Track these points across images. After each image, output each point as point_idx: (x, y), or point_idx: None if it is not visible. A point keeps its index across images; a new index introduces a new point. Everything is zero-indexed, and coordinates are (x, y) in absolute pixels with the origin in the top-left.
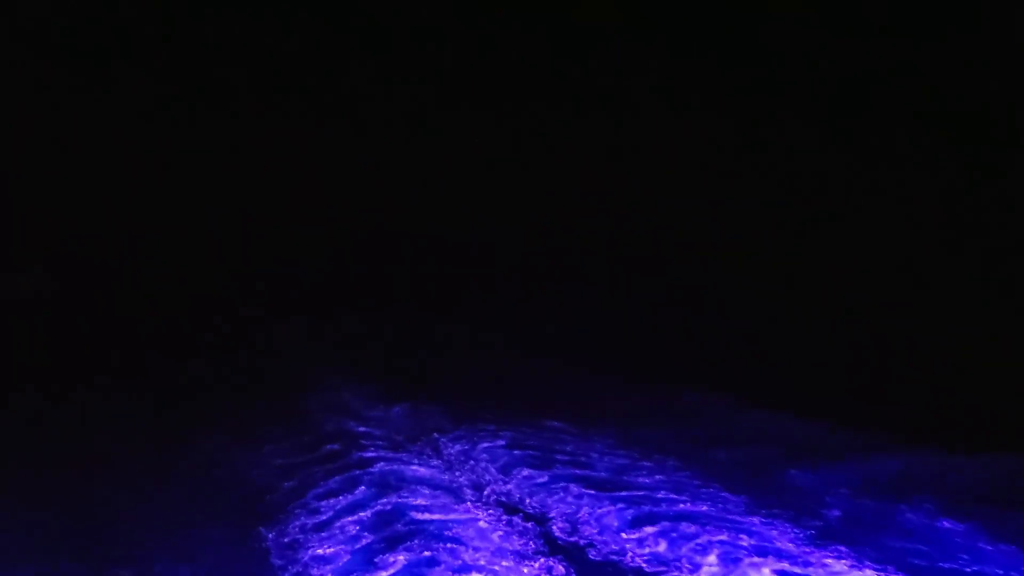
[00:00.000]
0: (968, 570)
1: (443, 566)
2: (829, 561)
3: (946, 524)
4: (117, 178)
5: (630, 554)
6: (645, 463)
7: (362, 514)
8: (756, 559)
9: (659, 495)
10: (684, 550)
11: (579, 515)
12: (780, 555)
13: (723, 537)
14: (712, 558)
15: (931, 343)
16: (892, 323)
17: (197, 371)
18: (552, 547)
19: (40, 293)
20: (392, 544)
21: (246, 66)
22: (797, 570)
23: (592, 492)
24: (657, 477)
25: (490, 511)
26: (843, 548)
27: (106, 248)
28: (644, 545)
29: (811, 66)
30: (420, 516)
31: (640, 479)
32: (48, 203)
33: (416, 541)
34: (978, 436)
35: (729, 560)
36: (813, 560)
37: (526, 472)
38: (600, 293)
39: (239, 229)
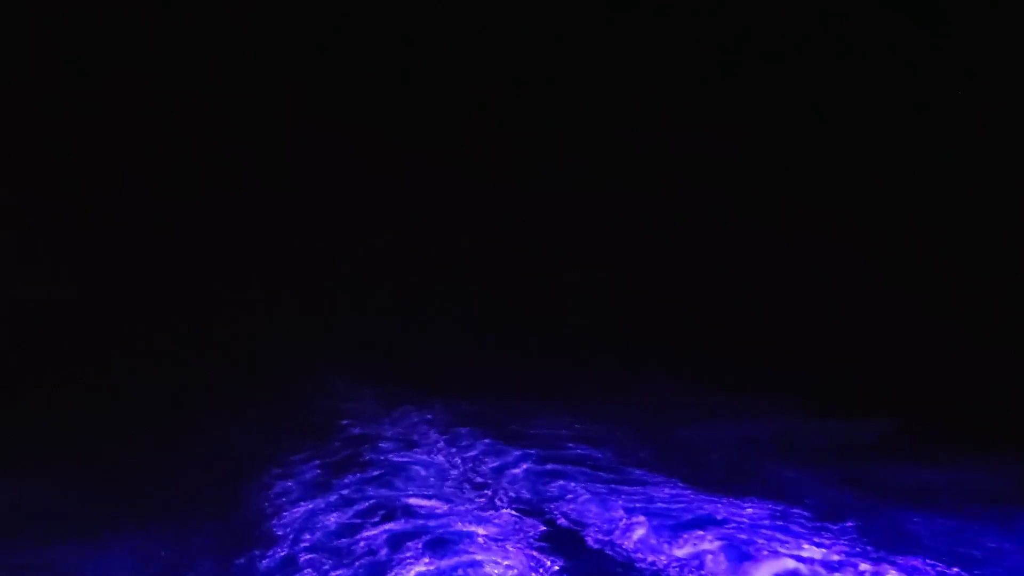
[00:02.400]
0: (805, 511)
1: (387, 487)
2: (688, 492)
3: (792, 474)
4: (118, 178)
5: (529, 491)
6: (577, 426)
7: (328, 461)
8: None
9: (569, 444)
10: (572, 485)
11: (491, 461)
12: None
13: (608, 476)
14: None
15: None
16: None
17: (196, 364)
18: (473, 480)
19: (44, 293)
20: (344, 474)
21: (247, 66)
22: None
23: (513, 446)
24: (577, 430)
25: (441, 455)
26: (725, 495)
27: (107, 248)
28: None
29: (811, 65)
30: (378, 457)
31: (559, 433)
32: (49, 203)
33: (367, 470)
34: (836, 404)
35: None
36: (668, 490)
37: (466, 431)
38: (592, 291)
39: (239, 228)
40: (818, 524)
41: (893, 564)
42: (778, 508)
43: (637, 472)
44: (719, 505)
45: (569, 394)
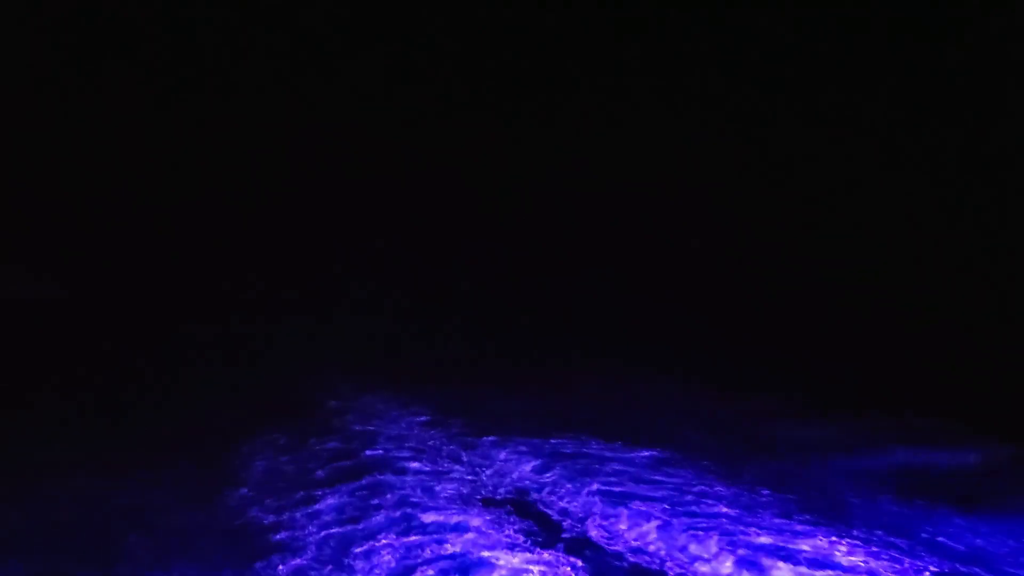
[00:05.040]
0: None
1: (343, 443)
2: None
3: (697, 436)
4: (116, 178)
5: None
6: (535, 408)
7: (300, 430)
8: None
9: (512, 418)
10: (487, 440)
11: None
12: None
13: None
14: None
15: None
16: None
17: (195, 359)
18: (417, 441)
19: (41, 294)
20: (310, 438)
21: (244, 65)
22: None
23: (459, 418)
24: (531, 410)
25: (398, 425)
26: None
27: (106, 248)
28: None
29: (810, 65)
30: (343, 427)
31: (512, 410)
32: (49, 203)
33: (331, 436)
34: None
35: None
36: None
37: (416, 409)
38: (591, 291)
39: (238, 229)
40: (701, 467)
41: (741, 490)
42: (665, 455)
43: (555, 432)
44: (607, 451)
45: (546, 385)
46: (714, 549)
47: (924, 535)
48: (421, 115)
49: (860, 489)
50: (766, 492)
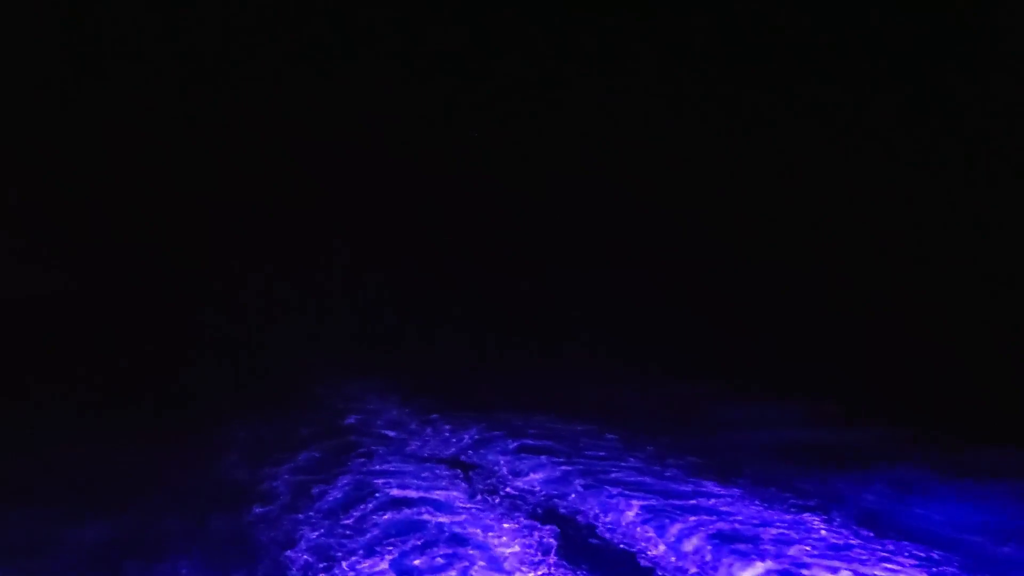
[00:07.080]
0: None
1: (321, 413)
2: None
3: (641, 414)
4: (122, 176)
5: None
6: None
7: (284, 408)
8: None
9: (475, 398)
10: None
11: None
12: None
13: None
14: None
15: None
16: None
17: (190, 355)
18: (392, 414)
19: (42, 291)
20: (295, 413)
21: (242, 64)
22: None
23: (424, 399)
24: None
25: (373, 405)
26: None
27: (106, 247)
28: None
29: (811, 63)
30: (322, 402)
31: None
32: (50, 202)
33: (312, 409)
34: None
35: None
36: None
37: (397, 392)
38: (592, 290)
39: (237, 227)
40: (635, 441)
41: (662, 454)
42: (603, 428)
43: (513, 409)
44: (552, 424)
45: (527, 375)
46: (617, 498)
47: (802, 486)
48: (422, 115)
49: (766, 457)
50: (690, 457)
